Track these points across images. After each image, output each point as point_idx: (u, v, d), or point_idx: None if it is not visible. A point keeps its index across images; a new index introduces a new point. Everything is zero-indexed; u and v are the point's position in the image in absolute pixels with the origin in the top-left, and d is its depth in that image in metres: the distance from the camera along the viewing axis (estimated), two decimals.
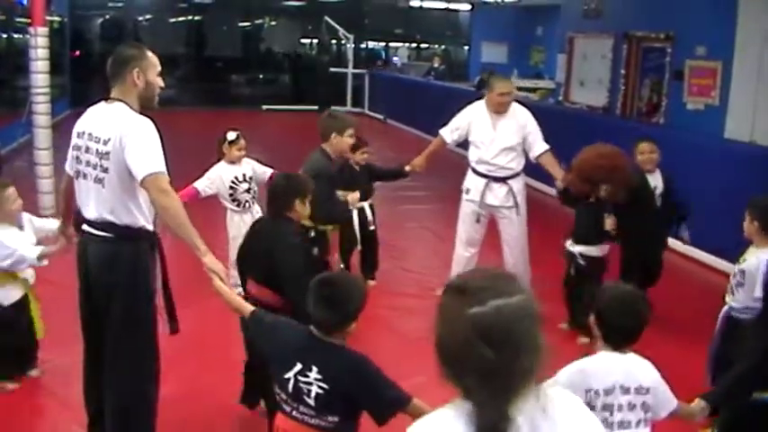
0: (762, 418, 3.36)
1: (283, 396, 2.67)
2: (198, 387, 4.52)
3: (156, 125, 3.37)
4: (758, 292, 3.85)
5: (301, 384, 2.62)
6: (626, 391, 2.62)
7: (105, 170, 3.29)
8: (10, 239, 4.24)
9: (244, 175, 5.80)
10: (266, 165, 6.03)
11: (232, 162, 5.79)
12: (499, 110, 5.88)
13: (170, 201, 3.23)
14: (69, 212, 3.81)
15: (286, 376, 2.65)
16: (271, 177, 6.01)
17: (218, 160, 5.85)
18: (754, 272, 3.91)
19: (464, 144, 6.25)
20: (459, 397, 1.52)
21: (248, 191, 5.84)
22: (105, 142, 3.28)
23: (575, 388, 2.45)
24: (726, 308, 4.11)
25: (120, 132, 3.25)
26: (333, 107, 18.22)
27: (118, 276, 3.36)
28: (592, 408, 2.53)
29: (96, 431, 3.62)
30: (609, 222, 5.22)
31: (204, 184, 5.74)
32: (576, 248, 5.34)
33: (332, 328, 2.68)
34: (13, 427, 4.08)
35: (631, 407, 2.63)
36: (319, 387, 2.59)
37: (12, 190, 4.33)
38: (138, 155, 3.22)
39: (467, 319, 1.48)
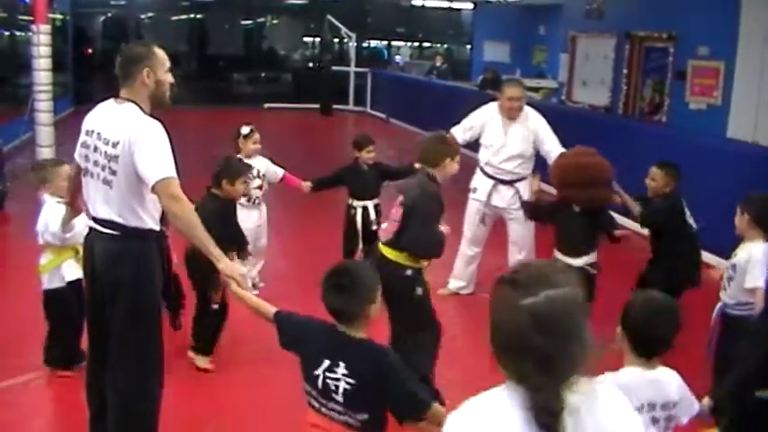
0: (766, 415, 3.36)
1: (313, 393, 2.68)
2: (199, 385, 4.53)
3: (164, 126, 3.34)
4: (748, 284, 3.92)
5: (329, 381, 2.63)
6: (652, 407, 2.54)
7: (113, 173, 3.27)
8: (49, 213, 4.38)
9: (258, 171, 5.84)
10: (277, 164, 6.07)
11: (248, 156, 5.83)
12: (511, 115, 5.87)
13: (181, 208, 3.20)
14: (76, 193, 3.80)
15: (315, 373, 2.66)
16: (282, 179, 6.06)
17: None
18: (744, 264, 3.98)
19: (470, 145, 6.24)
20: (511, 382, 1.63)
21: (260, 187, 5.89)
22: (114, 145, 3.25)
23: None
24: (720, 305, 4.16)
25: (129, 136, 3.23)
26: (335, 106, 18.39)
27: (123, 272, 3.35)
28: None
29: (98, 427, 3.62)
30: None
31: None
32: (572, 261, 4.83)
33: (349, 316, 2.68)
34: (14, 426, 4.09)
35: (654, 421, 2.54)
36: (347, 383, 2.60)
37: (66, 168, 4.42)
38: (148, 160, 3.19)
39: (521, 309, 1.59)
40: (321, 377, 2.64)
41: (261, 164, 5.92)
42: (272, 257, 6.33)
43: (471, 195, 6.12)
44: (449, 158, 4.37)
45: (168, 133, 3.32)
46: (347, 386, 2.60)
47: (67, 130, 3.55)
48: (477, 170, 6.11)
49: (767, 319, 3.68)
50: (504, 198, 5.95)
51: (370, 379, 2.61)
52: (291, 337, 2.85)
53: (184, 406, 4.21)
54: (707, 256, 7.21)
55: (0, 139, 8.88)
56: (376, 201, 6.29)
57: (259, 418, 4.15)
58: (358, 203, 6.20)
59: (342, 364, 2.62)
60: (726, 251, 6.48)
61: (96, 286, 3.45)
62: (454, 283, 6.28)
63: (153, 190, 3.20)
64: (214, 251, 3.24)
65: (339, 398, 2.61)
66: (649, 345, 2.57)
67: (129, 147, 3.22)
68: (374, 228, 6.28)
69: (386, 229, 4.32)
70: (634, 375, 2.53)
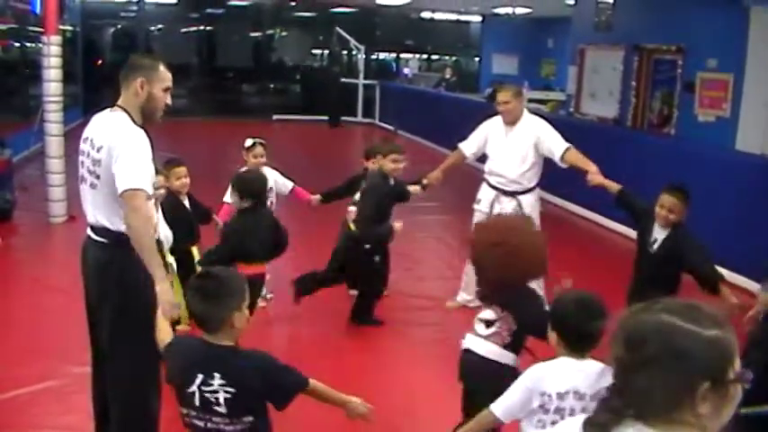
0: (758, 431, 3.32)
1: (192, 412, 2.62)
2: None
3: (150, 136, 3.35)
4: None
5: (207, 394, 2.58)
6: (580, 397, 2.58)
7: (97, 177, 3.33)
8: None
9: None
10: (287, 177, 6.07)
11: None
12: (505, 119, 5.87)
13: (138, 221, 3.20)
14: None
15: (190, 390, 2.59)
16: (292, 191, 6.06)
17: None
18: None
19: (481, 158, 6.23)
20: None
21: None
22: (99, 150, 3.31)
23: (530, 391, 2.61)
24: None
25: (110, 142, 3.27)
26: (344, 118, 18.41)
27: (109, 282, 3.37)
28: (546, 411, 2.59)
29: None
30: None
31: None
32: None
33: (211, 323, 2.61)
34: None
35: (585, 411, 2.50)
36: (226, 392, 2.56)
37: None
38: (122, 168, 3.22)
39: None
40: (197, 393, 2.58)
41: (270, 176, 5.91)
42: (282, 268, 6.29)
43: (475, 206, 6.08)
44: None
45: (152, 143, 3.33)
46: (227, 395, 2.56)
47: (77, 140, 3.56)
48: (483, 182, 6.09)
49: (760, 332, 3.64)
50: (506, 210, 5.89)
51: (250, 384, 2.58)
52: (167, 360, 2.78)
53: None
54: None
55: (10, 150, 8.91)
56: None
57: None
58: None
59: (216, 375, 2.56)
60: (737, 264, 6.49)
61: (89, 294, 3.51)
62: (462, 296, 6.24)
63: (121, 197, 3.22)
64: (157, 273, 3.22)
65: (222, 409, 2.57)
66: (577, 338, 2.67)
67: (108, 152, 3.26)
68: None
69: None
70: (562, 363, 2.66)
